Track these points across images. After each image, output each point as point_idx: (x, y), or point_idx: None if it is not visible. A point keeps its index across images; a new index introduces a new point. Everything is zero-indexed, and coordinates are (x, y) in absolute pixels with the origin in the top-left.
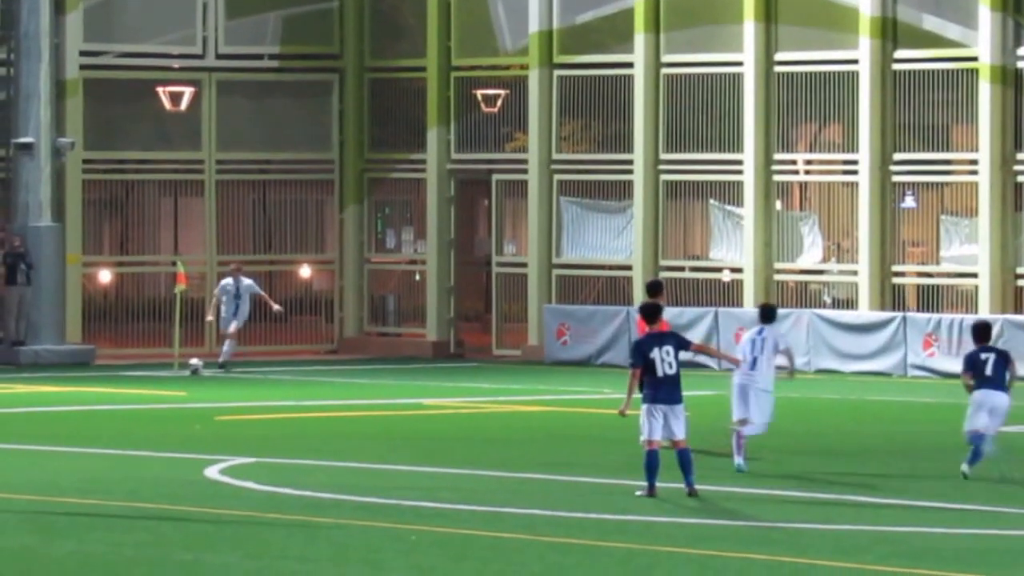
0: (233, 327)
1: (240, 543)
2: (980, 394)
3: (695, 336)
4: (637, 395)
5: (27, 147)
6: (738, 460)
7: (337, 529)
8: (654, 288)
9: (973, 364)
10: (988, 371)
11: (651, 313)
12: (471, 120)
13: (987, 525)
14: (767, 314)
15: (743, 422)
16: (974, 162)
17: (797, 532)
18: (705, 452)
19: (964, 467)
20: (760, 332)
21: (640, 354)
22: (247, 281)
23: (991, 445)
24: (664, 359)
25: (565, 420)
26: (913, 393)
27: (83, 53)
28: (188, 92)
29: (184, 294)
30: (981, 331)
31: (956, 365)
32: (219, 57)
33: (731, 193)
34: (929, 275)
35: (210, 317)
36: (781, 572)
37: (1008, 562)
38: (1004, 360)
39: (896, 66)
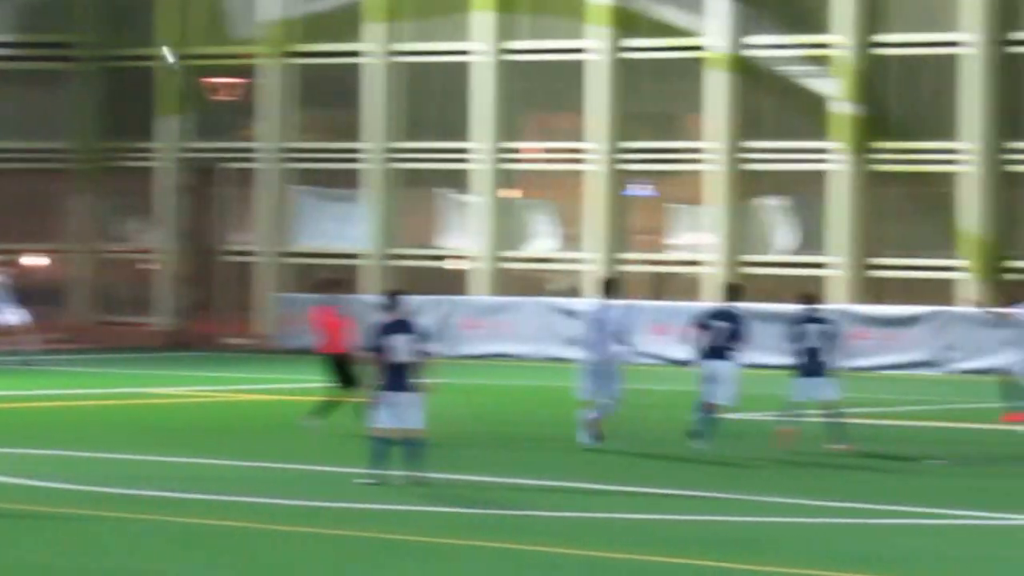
0: (15, 319)
1: None
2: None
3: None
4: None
5: None
6: (585, 437)
7: (57, 519)
8: None
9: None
10: (718, 342)
11: (388, 304)
12: (203, 109)
13: (713, 511)
14: (607, 289)
15: (591, 404)
16: (702, 150)
17: (524, 518)
18: (438, 443)
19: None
20: (603, 311)
21: (373, 340)
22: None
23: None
24: (401, 347)
25: (293, 408)
26: (643, 380)
27: None
28: None
29: None
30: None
31: (685, 352)
32: None
33: (461, 181)
34: (656, 263)
35: None
36: (502, 557)
37: (733, 548)
38: (733, 327)
39: (626, 55)
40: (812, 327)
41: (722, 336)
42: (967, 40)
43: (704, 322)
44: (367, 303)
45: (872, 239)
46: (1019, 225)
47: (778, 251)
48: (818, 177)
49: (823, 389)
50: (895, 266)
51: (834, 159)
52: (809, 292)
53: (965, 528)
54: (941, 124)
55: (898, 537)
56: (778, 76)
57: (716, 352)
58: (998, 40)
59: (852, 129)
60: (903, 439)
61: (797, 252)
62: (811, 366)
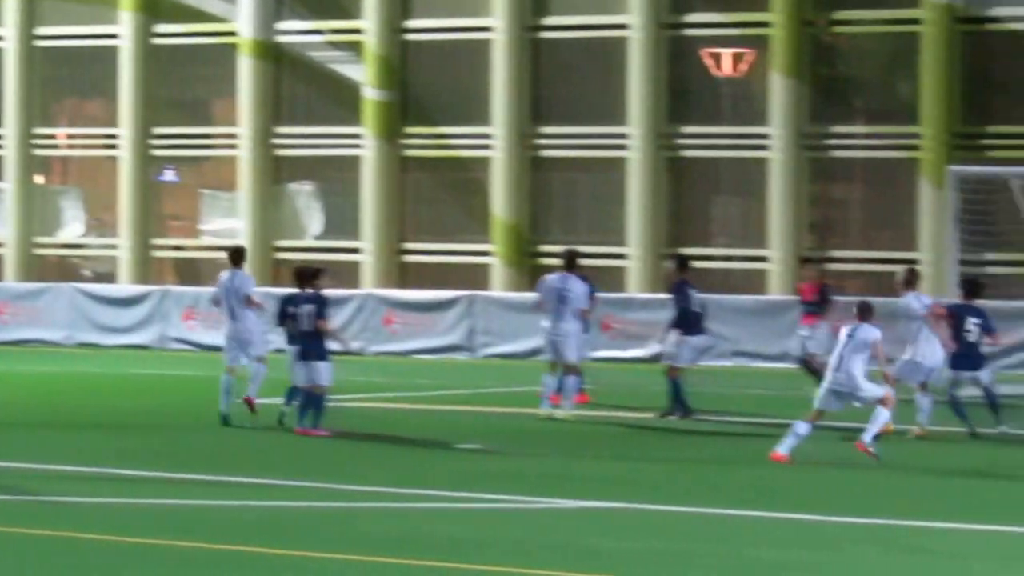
0: None
1: None
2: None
3: None
4: None
5: None
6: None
7: None
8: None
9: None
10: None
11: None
12: None
13: (251, 497)
14: (235, 256)
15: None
16: (234, 136)
17: (54, 505)
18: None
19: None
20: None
21: (280, 311)
22: None
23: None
24: (303, 315)
25: None
26: (174, 366)
27: None
28: None
29: None
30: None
31: (217, 338)
32: None
33: None
34: (189, 249)
35: None
36: (27, 543)
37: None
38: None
39: (157, 40)
40: (304, 308)
41: (311, 321)
42: (496, 26)
43: (287, 309)
44: None
45: (404, 224)
46: (549, 210)
47: (311, 236)
48: (350, 163)
49: (319, 372)
50: (427, 251)
51: (365, 145)
52: (304, 269)
53: (501, 512)
54: (472, 110)
55: (434, 522)
56: (309, 62)
57: (305, 337)
58: (526, 26)
59: (383, 115)
60: (436, 424)
61: (330, 237)
62: (306, 350)
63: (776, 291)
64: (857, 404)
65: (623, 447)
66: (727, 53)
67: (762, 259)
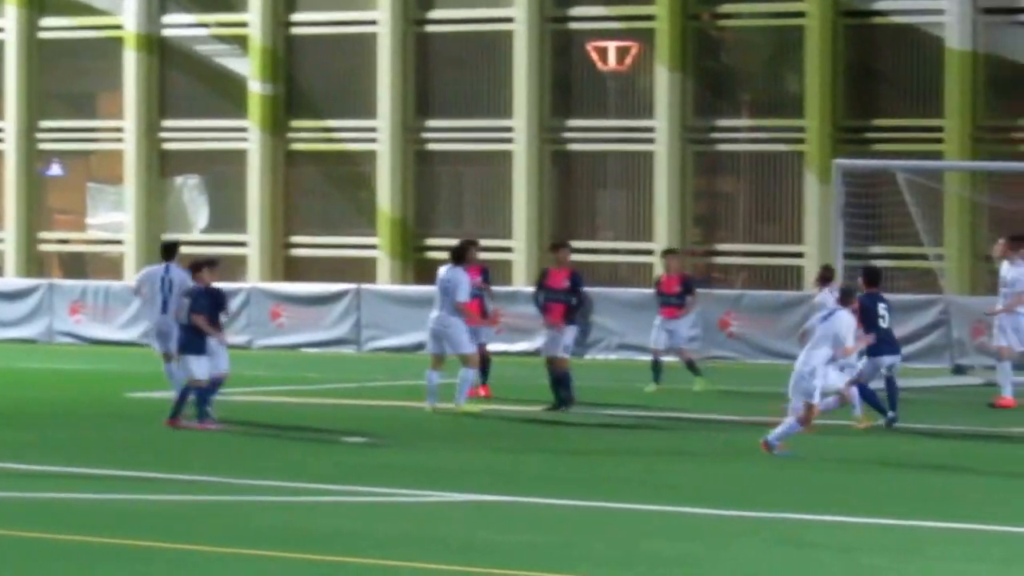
0: None
1: None
2: None
3: None
4: None
5: None
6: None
7: None
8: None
9: None
10: None
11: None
12: None
13: (137, 491)
14: (167, 251)
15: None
16: (120, 130)
17: None
18: None
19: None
20: (164, 272)
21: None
22: None
23: None
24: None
25: None
26: (60, 360)
27: None
28: None
29: None
30: None
31: (105, 331)
32: None
33: None
34: (75, 242)
35: None
36: None
37: (147, 526)
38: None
39: (42, 34)
40: (184, 302)
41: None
42: (381, 19)
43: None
44: None
45: (290, 218)
46: (434, 203)
47: (198, 230)
48: (236, 156)
49: (193, 367)
50: (313, 244)
51: (251, 138)
52: (194, 263)
53: (386, 505)
54: (357, 103)
55: (319, 516)
56: (194, 56)
57: (183, 330)
58: (411, 19)
59: (268, 108)
60: (322, 417)
61: (216, 231)
62: (183, 344)
63: None
64: (818, 397)
65: (508, 440)
66: (612, 46)
67: (648, 252)
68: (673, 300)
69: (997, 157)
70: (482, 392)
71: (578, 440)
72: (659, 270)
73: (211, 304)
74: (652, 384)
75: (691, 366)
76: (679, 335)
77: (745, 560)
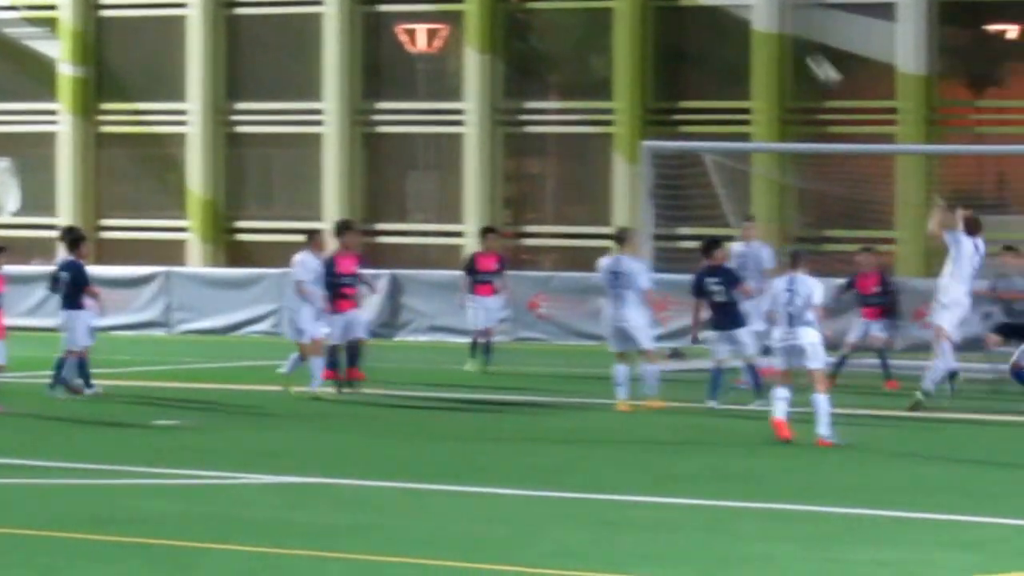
0: None
1: None
2: None
3: None
4: None
5: None
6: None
7: None
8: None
9: None
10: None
11: None
12: None
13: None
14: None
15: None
16: None
17: None
18: None
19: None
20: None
21: None
22: None
23: None
24: None
25: None
26: None
27: None
28: None
29: None
30: None
31: None
32: None
33: None
34: None
35: None
36: None
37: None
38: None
39: None
40: None
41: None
42: (191, 2)
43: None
44: None
45: (100, 201)
46: (245, 186)
47: (8, 213)
48: (46, 139)
49: None
50: (123, 227)
51: (61, 121)
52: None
53: (199, 487)
54: (168, 86)
55: (133, 498)
56: (4, 38)
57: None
58: (221, 2)
59: (78, 91)
60: (133, 400)
61: (26, 214)
62: None
63: None
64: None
65: (325, 422)
66: (422, 29)
67: (458, 234)
68: (488, 277)
69: (805, 139)
70: (339, 377)
71: (385, 422)
72: (469, 250)
73: None
74: (471, 362)
75: (487, 348)
76: (493, 314)
77: (549, 541)
